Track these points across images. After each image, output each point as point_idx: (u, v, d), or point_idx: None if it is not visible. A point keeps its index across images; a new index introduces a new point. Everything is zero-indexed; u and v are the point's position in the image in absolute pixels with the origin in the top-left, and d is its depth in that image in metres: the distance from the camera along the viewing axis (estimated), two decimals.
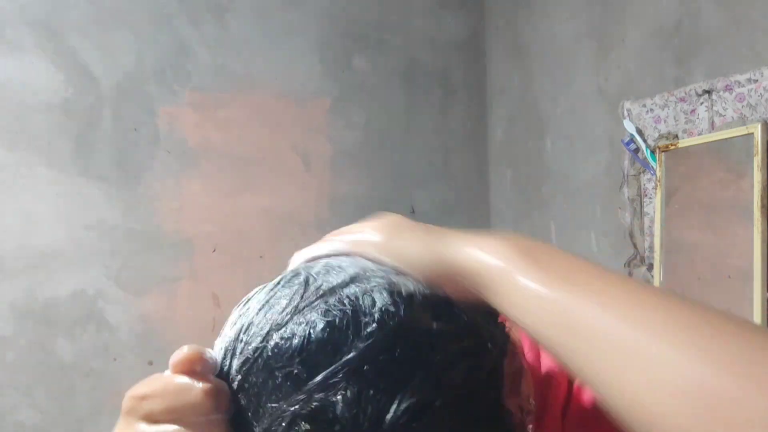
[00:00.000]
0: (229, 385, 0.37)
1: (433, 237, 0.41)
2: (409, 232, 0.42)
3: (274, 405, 0.35)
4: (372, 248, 0.42)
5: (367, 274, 0.39)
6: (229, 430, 0.37)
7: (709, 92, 1.46)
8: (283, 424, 0.34)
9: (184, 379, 0.37)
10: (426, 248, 0.40)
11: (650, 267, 1.62)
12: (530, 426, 0.42)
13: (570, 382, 0.49)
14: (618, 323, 0.31)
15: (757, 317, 1.32)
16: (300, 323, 0.36)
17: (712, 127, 1.46)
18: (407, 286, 0.39)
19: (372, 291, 0.37)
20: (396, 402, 0.34)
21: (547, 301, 0.34)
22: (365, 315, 0.36)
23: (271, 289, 0.40)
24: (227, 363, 0.38)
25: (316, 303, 0.37)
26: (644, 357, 0.29)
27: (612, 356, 0.31)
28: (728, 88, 1.42)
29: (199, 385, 0.36)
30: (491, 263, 0.37)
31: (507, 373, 0.40)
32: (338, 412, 0.34)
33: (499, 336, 0.40)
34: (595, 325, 0.32)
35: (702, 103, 1.48)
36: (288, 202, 1.96)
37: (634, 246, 1.67)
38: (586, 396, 0.47)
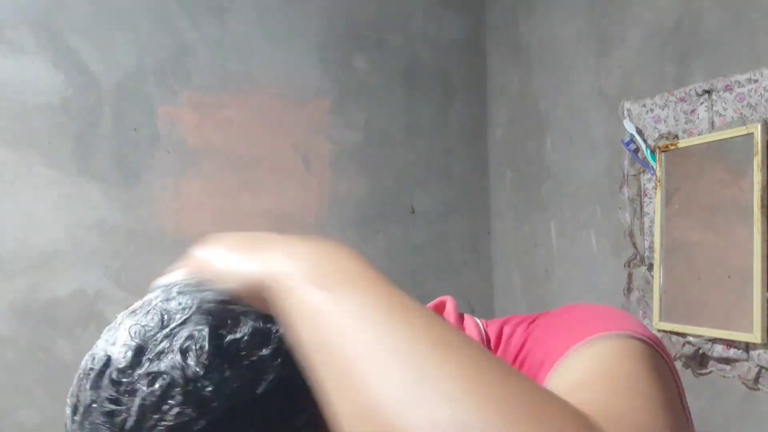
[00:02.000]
0: None
1: (248, 254, 0.41)
2: (231, 251, 0.43)
3: None
4: (207, 269, 0.44)
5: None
6: None
7: (709, 92, 1.46)
8: None
9: None
10: (236, 269, 0.41)
11: (650, 267, 1.62)
12: None
13: None
14: (364, 332, 0.31)
15: (757, 317, 1.32)
16: None
17: (712, 127, 1.46)
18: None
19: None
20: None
21: (314, 312, 0.33)
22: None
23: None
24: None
25: None
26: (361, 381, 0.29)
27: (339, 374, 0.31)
28: (728, 88, 1.42)
29: None
30: (276, 274, 0.37)
31: None
32: None
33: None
34: (342, 338, 0.31)
35: (702, 103, 1.48)
36: (288, 202, 1.96)
37: (634, 246, 1.67)
38: None
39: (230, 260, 0.42)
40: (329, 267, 0.36)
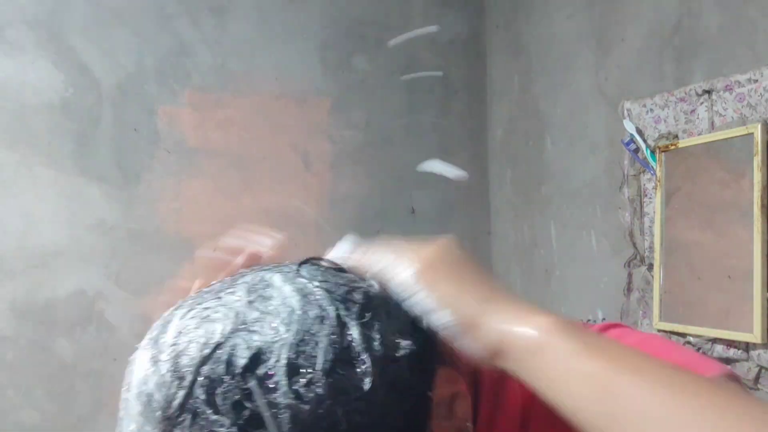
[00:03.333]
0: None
1: (472, 297, 0.40)
2: (451, 279, 0.42)
3: None
4: (404, 281, 0.42)
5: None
6: None
7: (709, 92, 1.46)
8: None
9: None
10: (462, 313, 0.40)
11: (650, 267, 1.62)
12: None
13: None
14: (656, 403, 0.33)
15: (757, 317, 1.32)
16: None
17: (712, 127, 1.46)
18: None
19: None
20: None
21: (585, 375, 0.35)
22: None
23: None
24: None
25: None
26: None
27: None
28: (728, 88, 1.41)
29: None
30: (530, 337, 0.37)
31: (437, 401, 0.40)
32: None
33: (426, 365, 0.40)
34: (632, 402, 0.33)
35: (702, 103, 1.48)
36: (288, 202, 1.96)
37: (634, 246, 1.67)
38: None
39: (445, 296, 0.41)
40: (574, 328, 0.38)
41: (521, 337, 0.37)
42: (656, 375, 0.34)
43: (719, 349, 1.44)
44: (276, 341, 0.34)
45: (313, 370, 0.34)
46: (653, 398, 0.33)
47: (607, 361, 0.35)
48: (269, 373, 0.33)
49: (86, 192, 1.73)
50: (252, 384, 0.33)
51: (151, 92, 1.81)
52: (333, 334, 0.35)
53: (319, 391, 0.33)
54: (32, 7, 1.68)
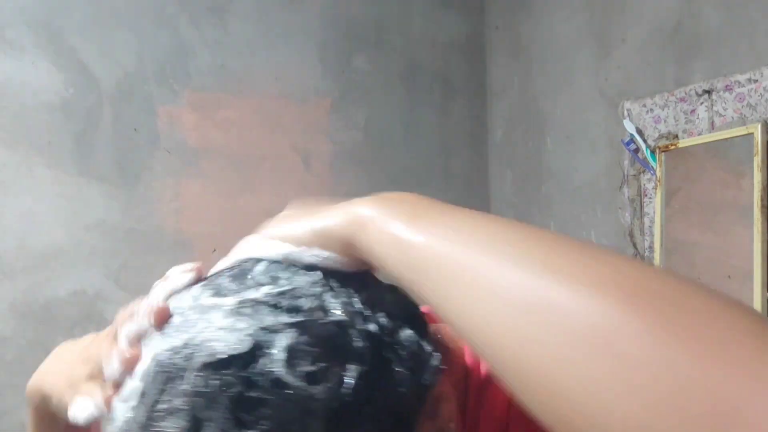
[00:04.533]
0: None
1: (315, 215, 0.44)
2: (296, 217, 0.45)
3: None
4: (272, 247, 0.44)
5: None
6: None
7: (709, 92, 1.46)
8: None
9: None
10: (308, 228, 0.43)
11: None
12: None
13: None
14: (472, 257, 0.31)
15: None
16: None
17: (712, 127, 1.46)
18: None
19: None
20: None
21: (407, 244, 0.35)
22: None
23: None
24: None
25: None
26: (499, 289, 0.29)
27: (470, 291, 0.30)
28: (728, 88, 1.42)
29: None
30: (357, 216, 0.39)
31: (429, 398, 0.40)
32: None
33: (427, 361, 0.40)
34: (451, 262, 0.32)
35: (702, 103, 1.48)
36: (288, 202, 1.96)
37: (634, 246, 1.67)
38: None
39: (306, 224, 0.43)
40: (402, 201, 0.39)
41: (352, 219, 0.39)
42: (475, 232, 0.33)
43: None
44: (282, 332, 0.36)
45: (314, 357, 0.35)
46: (467, 255, 0.31)
47: (428, 229, 0.35)
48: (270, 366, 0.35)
49: (86, 192, 1.73)
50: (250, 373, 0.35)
51: (151, 92, 1.81)
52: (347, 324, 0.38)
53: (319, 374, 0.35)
54: (32, 7, 1.68)
